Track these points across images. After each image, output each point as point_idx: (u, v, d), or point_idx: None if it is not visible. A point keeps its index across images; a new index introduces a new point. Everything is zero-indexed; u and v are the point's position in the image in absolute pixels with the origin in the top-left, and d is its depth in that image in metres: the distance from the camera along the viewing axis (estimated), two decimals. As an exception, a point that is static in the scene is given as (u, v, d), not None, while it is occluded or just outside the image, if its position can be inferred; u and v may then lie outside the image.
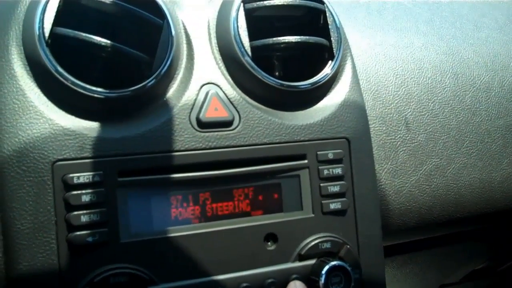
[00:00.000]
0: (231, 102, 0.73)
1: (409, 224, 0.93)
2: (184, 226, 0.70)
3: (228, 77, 0.75)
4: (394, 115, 0.92)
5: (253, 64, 0.74)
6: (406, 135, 0.92)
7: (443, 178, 0.94)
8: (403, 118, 0.92)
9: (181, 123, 0.70)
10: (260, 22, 0.77)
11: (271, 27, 0.78)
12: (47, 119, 0.64)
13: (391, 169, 0.90)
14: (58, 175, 0.63)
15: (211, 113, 0.72)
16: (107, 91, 0.66)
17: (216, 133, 0.71)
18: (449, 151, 0.95)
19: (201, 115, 0.71)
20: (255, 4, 0.76)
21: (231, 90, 0.74)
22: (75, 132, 0.65)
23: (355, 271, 0.75)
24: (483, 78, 1.03)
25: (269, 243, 0.74)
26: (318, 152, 0.77)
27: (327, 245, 0.76)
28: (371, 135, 0.84)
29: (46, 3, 0.65)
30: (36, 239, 0.62)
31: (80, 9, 0.66)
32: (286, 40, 0.75)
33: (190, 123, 0.71)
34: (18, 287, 0.62)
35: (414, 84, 0.95)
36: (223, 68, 0.75)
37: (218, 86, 0.74)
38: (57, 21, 0.65)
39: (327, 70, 0.78)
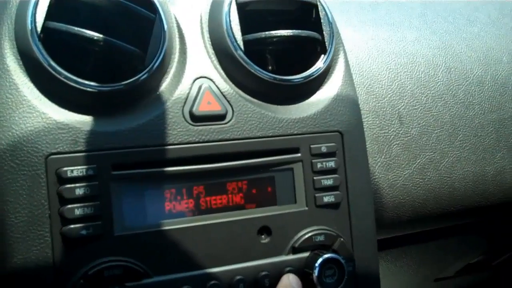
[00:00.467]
0: (224, 96, 0.73)
1: (403, 217, 0.93)
2: (178, 219, 0.70)
3: (221, 71, 0.75)
4: (387, 109, 0.92)
5: (245, 58, 0.74)
6: (400, 129, 0.92)
7: (436, 171, 0.95)
8: (396, 112, 0.92)
9: (174, 117, 0.70)
10: (253, 17, 0.77)
11: (264, 21, 0.78)
12: (40, 113, 0.64)
13: (384, 162, 0.90)
14: (52, 168, 0.64)
15: (204, 107, 0.72)
16: (100, 85, 0.66)
17: (209, 126, 0.72)
18: (443, 144, 0.96)
19: (194, 109, 0.71)
20: (247, -2, 0.76)
21: (224, 84, 0.74)
22: (68, 126, 0.65)
23: (348, 263, 0.76)
24: (476, 72, 1.03)
25: (263, 236, 0.74)
26: (312, 146, 0.77)
27: (321, 238, 0.76)
28: (365, 129, 0.84)
29: (39, -3, 0.65)
30: (30, 233, 0.62)
31: (73, 4, 0.66)
32: (279, 34, 0.75)
33: (183, 116, 0.71)
34: (13, 280, 0.62)
35: (407, 78, 0.96)
36: (215, 62, 0.76)
37: (211, 80, 0.74)
38: (49, 16, 0.65)
39: (320, 64, 0.79)
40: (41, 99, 0.65)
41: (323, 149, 0.77)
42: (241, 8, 0.76)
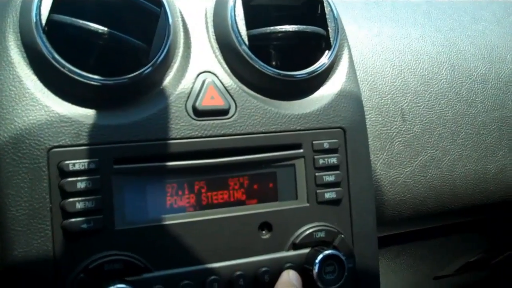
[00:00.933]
0: (227, 91, 0.73)
1: (404, 214, 0.93)
2: (179, 214, 0.70)
3: (225, 66, 0.75)
4: (390, 106, 0.92)
5: (250, 53, 0.74)
6: (402, 126, 0.92)
7: (438, 169, 0.95)
8: (399, 109, 0.92)
9: (177, 111, 0.70)
10: (258, 12, 0.77)
11: (269, 16, 0.78)
12: (43, 106, 0.64)
13: (386, 159, 0.90)
14: (54, 162, 0.63)
15: (207, 102, 0.72)
16: (104, 78, 0.66)
17: (212, 121, 0.72)
18: (445, 142, 0.96)
19: (197, 104, 0.71)
20: (252, -7, 0.76)
21: (227, 78, 0.74)
22: (71, 119, 0.65)
23: (349, 260, 0.76)
24: (480, 70, 1.03)
25: (263, 231, 0.74)
26: (314, 142, 0.77)
27: (321, 234, 0.76)
28: (367, 126, 0.84)
29: (44, -10, 0.65)
30: (31, 226, 0.62)
31: (77, -3, 0.66)
32: (284, 29, 0.75)
33: (186, 111, 0.71)
34: (13, 273, 0.62)
35: (411, 75, 0.95)
36: (220, 57, 0.75)
37: (215, 74, 0.74)
38: (54, 8, 0.64)
39: (324, 59, 0.78)
40: (45, 92, 0.65)
41: (326, 145, 0.77)
42: (246, 3, 0.75)
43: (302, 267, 0.74)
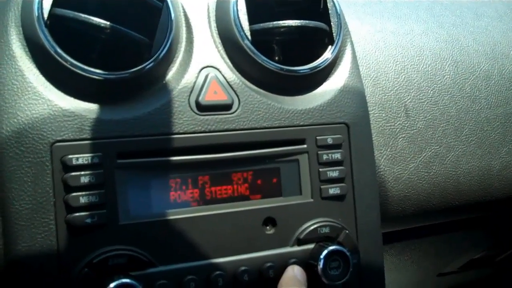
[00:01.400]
0: (230, 86, 0.73)
1: (408, 211, 0.93)
2: (183, 209, 0.70)
3: (228, 60, 0.75)
4: (394, 102, 0.92)
5: (252, 48, 0.74)
6: (406, 122, 0.92)
7: (442, 165, 0.94)
8: (403, 105, 0.92)
9: (180, 106, 0.70)
10: (260, 7, 0.76)
11: (271, 11, 0.78)
12: (46, 100, 0.64)
13: (390, 155, 0.90)
14: (57, 156, 0.63)
15: (210, 97, 0.71)
16: (106, 72, 0.65)
17: (215, 116, 0.71)
18: (448, 138, 0.95)
19: (200, 98, 0.71)
20: (255, -12, 0.76)
21: (230, 73, 0.74)
22: (74, 113, 0.64)
23: (353, 256, 0.75)
24: (483, 66, 1.03)
25: (267, 227, 0.74)
26: (317, 137, 0.77)
27: (326, 229, 0.76)
28: (371, 122, 0.84)
29: (45, -16, 0.65)
30: (35, 220, 0.62)
31: (80, -9, 0.66)
32: (286, 24, 0.75)
33: (189, 106, 0.70)
34: (17, 268, 0.62)
35: (414, 71, 0.95)
36: (222, 51, 0.75)
37: (218, 69, 0.73)
38: (56, 2, 0.64)
39: (327, 54, 0.78)
40: (47, 86, 0.65)
41: (329, 140, 0.77)
42: (248, -3, 0.75)
43: (307, 263, 0.74)
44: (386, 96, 0.91)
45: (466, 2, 1.11)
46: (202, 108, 0.71)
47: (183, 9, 0.75)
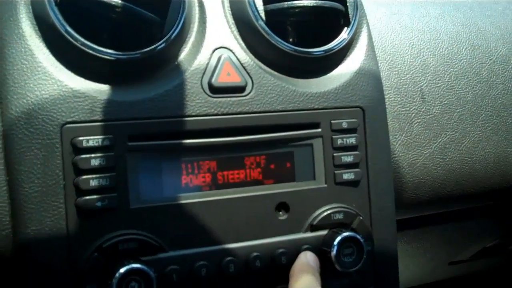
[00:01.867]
0: (244, 67, 0.72)
1: (422, 198, 0.91)
2: (195, 193, 0.69)
3: (241, 41, 0.73)
4: (410, 86, 0.90)
5: (266, 28, 0.72)
6: (421, 107, 0.90)
7: (457, 151, 0.93)
8: (419, 89, 0.90)
9: (192, 87, 0.68)
10: (275, -14, 0.75)
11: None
12: (56, 80, 0.63)
13: (405, 141, 0.88)
14: (67, 138, 0.62)
15: (224, 78, 0.70)
16: (117, 52, 0.64)
17: (228, 98, 0.70)
18: (465, 124, 0.94)
19: (213, 80, 0.69)
20: (270, -32, 0.74)
21: (244, 55, 0.72)
22: (85, 94, 0.63)
23: (367, 243, 0.74)
24: (500, 51, 1.01)
25: (280, 212, 0.73)
26: (332, 121, 0.75)
27: (340, 216, 0.74)
28: (386, 106, 0.82)
29: (55, -38, 0.63)
30: (44, 203, 0.61)
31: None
32: (301, 4, 0.73)
33: (202, 88, 0.69)
34: (26, 251, 0.61)
35: (430, 55, 0.93)
36: (235, 32, 0.74)
37: (231, 50, 0.72)
38: None
39: (343, 35, 0.77)
40: (57, 66, 0.64)
41: (344, 124, 0.76)
42: (263, -23, 0.74)
43: (320, 249, 0.73)
44: (401, 80, 0.89)
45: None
46: (215, 90, 0.69)
47: (196, -12, 0.73)
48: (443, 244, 1.24)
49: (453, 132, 0.92)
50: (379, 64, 0.85)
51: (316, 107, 0.75)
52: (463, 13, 1.01)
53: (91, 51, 0.63)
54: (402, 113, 0.89)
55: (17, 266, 0.62)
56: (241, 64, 0.72)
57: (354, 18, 0.77)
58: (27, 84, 0.62)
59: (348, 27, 0.77)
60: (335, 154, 0.75)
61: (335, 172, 0.75)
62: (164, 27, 0.67)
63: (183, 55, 0.70)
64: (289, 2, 0.73)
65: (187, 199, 0.68)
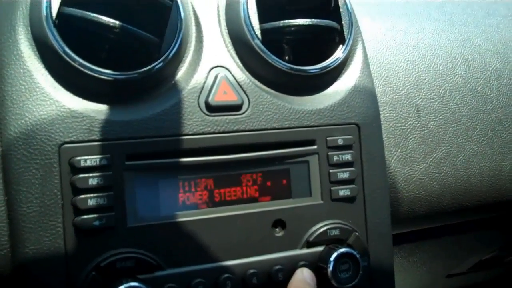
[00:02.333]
0: (240, 86, 0.72)
1: (418, 212, 0.92)
2: (192, 211, 0.69)
3: (238, 60, 0.74)
4: (405, 101, 0.91)
5: (263, 47, 0.73)
6: (416, 122, 0.91)
7: (453, 166, 0.93)
8: (414, 104, 0.91)
9: (189, 106, 0.69)
10: (271, 5, 0.75)
11: (282, 10, 0.77)
12: (54, 100, 0.63)
13: (400, 156, 0.89)
14: (65, 158, 0.63)
15: (220, 97, 0.71)
16: (115, 73, 0.65)
17: (225, 117, 0.71)
18: (460, 139, 0.94)
19: (210, 99, 0.70)
20: (265, -14, 0.75)
21: (240, 73, 0.73)
22: (83, 114, 0.64)
23: (363, 258, 0.75)
24: (495, 66, 1.01)
25: (277, 229, 0.73)
26: (328, 138, 0.76)
27: (336, 232, 0.75)
28: (381, 122, 0.83)
29: (53, -17, 0.64)
30: (42, 223, 0.62)
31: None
32: (297, 23, 0.74)
33: (199, 106, 0.70)
34: (24, 270, 0.61)
35: (425, 71, 0.94)
36: (232, 51, 0.74)
37: (227, 69, 0.72)
38: (64, 2, 0.64)
39: (338, 54, 0.77)
40: (55, 86, 0.64)
41: (340, 141, 0.76)
42: (258, -4, 0.74)
43: (316, 265, 0.73)
44: (397, 96, 0.90)
45: (478, 1, 1.10)
46: (212, 108, 0.70)
47: (193, 8, 0.74)
48: (440, 257, 1.24)
49: (448, 147, 0.93)
50: (374, 80, 0.86)
51: (312, 124, 0.75)
52: (457, 28, 1.01)
53: (89, 72, 0.64)
54: (397, 128, 0.89)
55: (16, 285, 0.62)
56: (238, 82, 0.72)
57: (349, 36, 0.78)
58: (26, 104, 0.62)
59: (343, 44, 0.78)
60: (331, 171, 0.76)
61: (331, 188, 0.76)
62: (161, 46, 0.67)
63: (180, 74, 0.71)
64: (284, 21, 0.74)
65: (184, 217, 0.68)
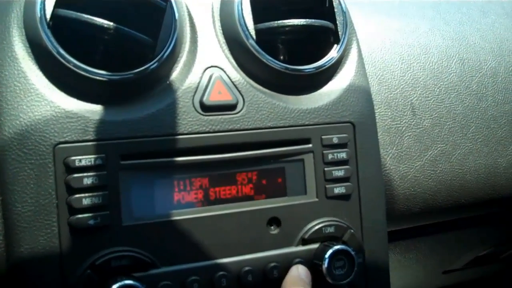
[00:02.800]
0: (235, 86, 0.73)
1: (414, 209, 0.92)
2: (187, 209, 0.69)
3: (232, 60, 0.74)
4: (400, 100, 0.91)
5: (257, 47, 0.73)
6: (412, 120, 0.91)
7: (448, 163, 0.94)
8: (409, 103, 0.91)
9: (184, 106, 0.69)
10: (265, 5, 0.76)
11: (276, 10, 0.77)
12: (48, 101, 0.64)
13: (396, 154, 0.89)
14: (60, 157, 0.63)
15: (215, 97, 0.71)
16: (110, 73, 0.65)
17: (219, 116, 0.71)
18: (455, 136, 0.95)
19: (204, 99, 0.70)
20: (259, -13, 0.75)
21: (235, 73, 0.73)
22: (77, 114, 0.64)
23: (358, 255, 0.75)
24: (490, 64, 1.02)
25: (272, 227, 0.73)
26: (323, 136, 0.76)
27: (331, 229, 0.75)
28: (376, 120, 0.84)
29: (48, -16, 0.64)
30: (37, 222, 0.62)
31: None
32: (291, 23, 0.74)
33: (194, 106, 0.70)
34: (19, 270, 0.62)
35: (420, 69, 0.94)
36: (227, 51, 0.75)
37: (222, 69, 0.73)
38: (59, 3, 0.64)
39: (333, 53, 0.78)
40: (50, 87, 0.65)
41: (335, 140, 0.77)
42: (253, -4, 0.75)
43: (312, 263, 0.74)
44: (392, 95, 0.91)
45: (473, 0, 1.10)
46: (207, 108, 0.70)
47: (187, 8, 0.74)
48: (437, 254, 1.24)
49: (444, 145, 0.93)
50: (369, 79, 0.86)
51: (306, 123, 0.76)
52: (452, 27, 1.02)
53: (83, 73, 0.64)
54: (393, 126, 0.90)
55: (11, 285, 0.63)
56: (232, 82, 0.73)
57: (343, 36, 0.79)
58: (20, 105, 0.63)
59: (338, 44, 0.78)
60: (326, 169, 0.76)
61: (326, 186, 0.76)
62: (155, 47, 0.68)
63: (174, 74, 0.71)
64: (279, 21, 0.74)
65: (179, 216, 0.68)
